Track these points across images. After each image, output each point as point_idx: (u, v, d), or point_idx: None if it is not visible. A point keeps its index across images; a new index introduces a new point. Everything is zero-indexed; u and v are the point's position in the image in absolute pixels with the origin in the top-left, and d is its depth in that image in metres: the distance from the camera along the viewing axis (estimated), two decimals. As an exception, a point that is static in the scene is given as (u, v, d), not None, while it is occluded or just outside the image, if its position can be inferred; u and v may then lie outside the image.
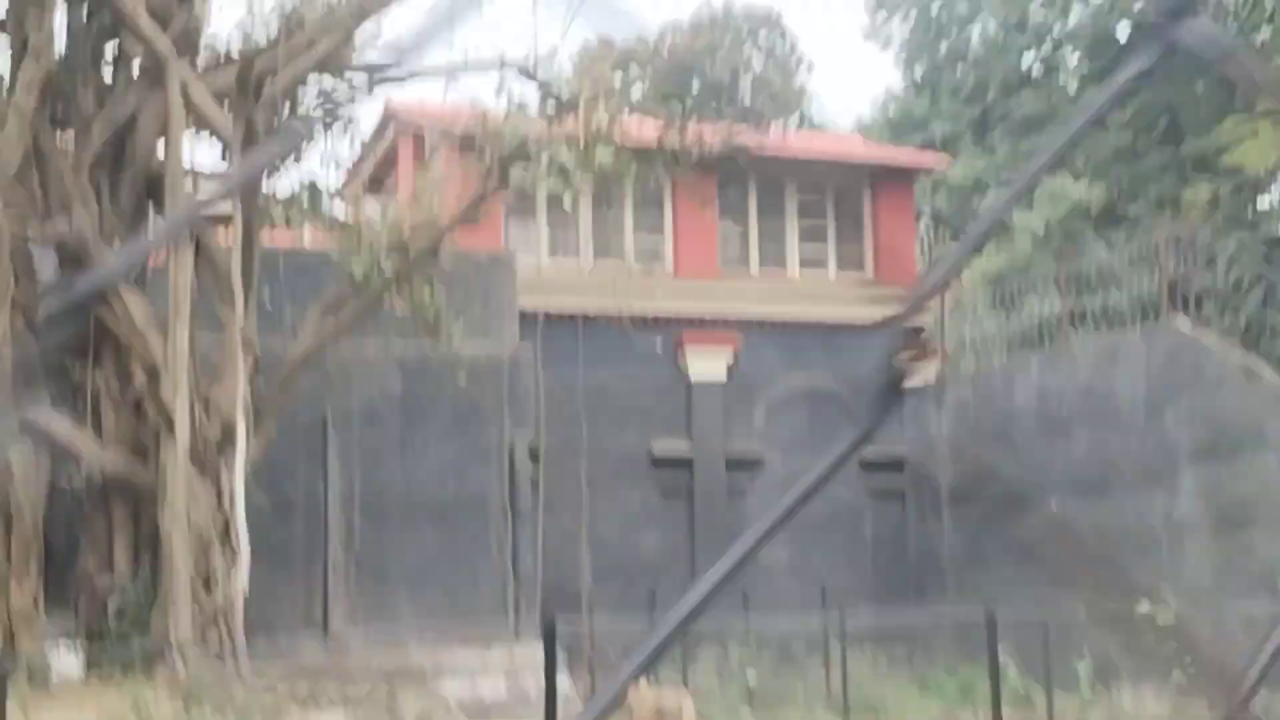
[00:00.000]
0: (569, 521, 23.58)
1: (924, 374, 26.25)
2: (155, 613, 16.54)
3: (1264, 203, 26.54)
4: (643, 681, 16.82)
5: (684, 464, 25.40)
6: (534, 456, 23.22)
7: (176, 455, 16.55)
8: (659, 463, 25.37)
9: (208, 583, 16.80)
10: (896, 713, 19.42)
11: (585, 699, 20.30)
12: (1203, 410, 19.51)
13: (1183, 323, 20.43)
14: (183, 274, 17.07)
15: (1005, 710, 16.54)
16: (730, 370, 26.02)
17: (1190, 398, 19.81)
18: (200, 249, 17.66)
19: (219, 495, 17.33)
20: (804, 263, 28.17)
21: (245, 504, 17.67)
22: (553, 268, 26.28)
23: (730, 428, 25.71)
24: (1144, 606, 13.70)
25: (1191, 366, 19.83)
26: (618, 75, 20.82)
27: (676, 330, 25.79)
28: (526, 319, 23.68)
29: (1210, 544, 19.34)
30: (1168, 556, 19.89)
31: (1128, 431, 20.91)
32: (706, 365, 25.82)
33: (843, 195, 28.45)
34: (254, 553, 17.78)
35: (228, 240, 17.92)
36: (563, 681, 20.18)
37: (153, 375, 17.02)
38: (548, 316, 24.37)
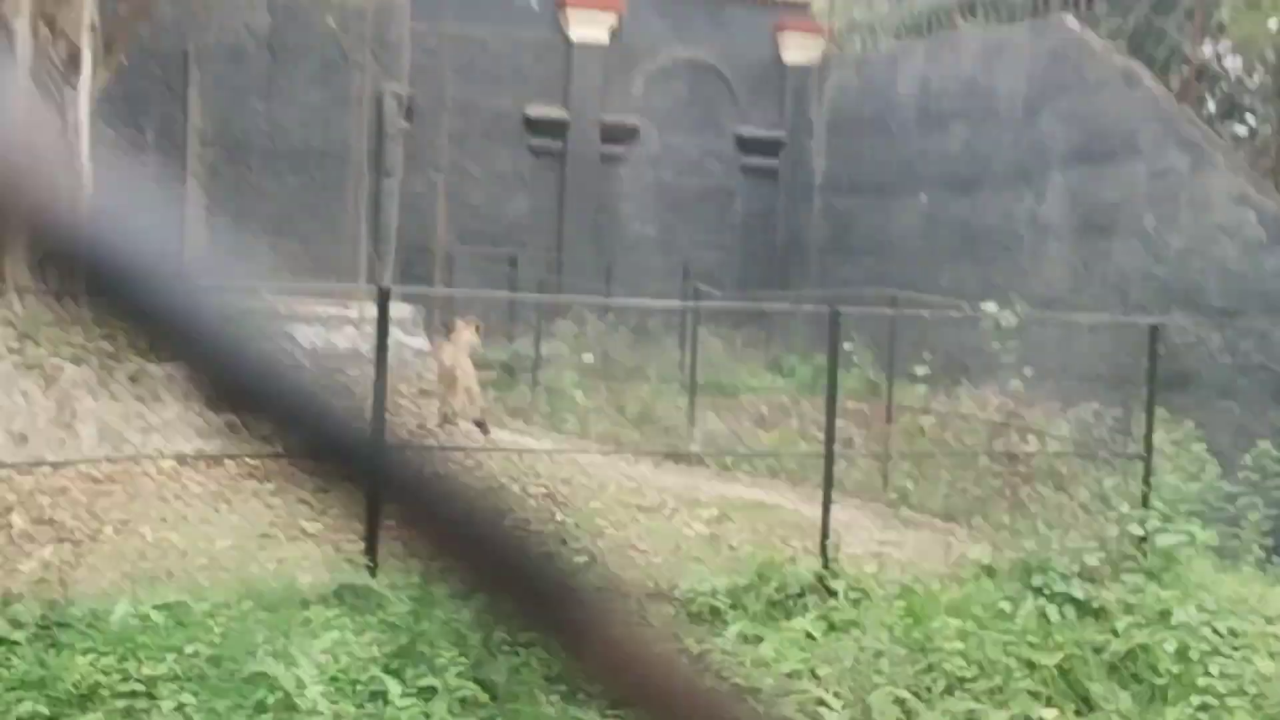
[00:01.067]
0: (435, 180, 23.07)
1: (808, 53, 25.72)
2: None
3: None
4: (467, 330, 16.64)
5: (558, 129, 24.82)
6: (402, 110, 22.51)
7: (17, 78, 15.65)
8: (533, 126, 24.78)
9: (48, 214, 16.16)
10: (744, 392, 19.60)
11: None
12: (1080, 112, 19.26)
13: (1070, 20, 20.00)
14: (26, -118, 15.83)
15: (851, 400, 16.73)
16: (612, 35, 25.23)
17: (1069, 99, 19.54)
18: None
19: (63, 122, 16.50)
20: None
21: (93, 135, 16.89)
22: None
23: (608, 95, 25.08)
24: (991, 308, 13.66)
25: (1073, 66, 19.49)
26: None
27: (560, -11, 24.85)
28: (403, -36, 22.60)
29: (1070, 249, 19.41)
30: (1029, 258, 19.97)
31: (1004, 129, 20.70)
32: (588, 28, 24.98)
33: None
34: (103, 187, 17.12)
35: None
36: (417, 340, 20.10)
37: (-8, -10, 15.95)
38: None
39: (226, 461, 12.55)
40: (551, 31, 24.82)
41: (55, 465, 11.82)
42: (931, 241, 21.82)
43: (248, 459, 12.69)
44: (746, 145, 25.66)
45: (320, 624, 8.26)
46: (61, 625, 7.79)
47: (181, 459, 12.49)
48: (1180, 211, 17.74)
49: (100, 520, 10.42)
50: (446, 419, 15.84)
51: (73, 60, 16.55)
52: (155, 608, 8.10)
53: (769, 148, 25.69)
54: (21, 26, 15.79)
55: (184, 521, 10.60)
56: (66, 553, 9.47)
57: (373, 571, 8.98)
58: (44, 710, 6.90)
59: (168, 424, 13.10)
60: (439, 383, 16.30)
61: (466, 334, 16.57)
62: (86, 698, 7.08)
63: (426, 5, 22.60)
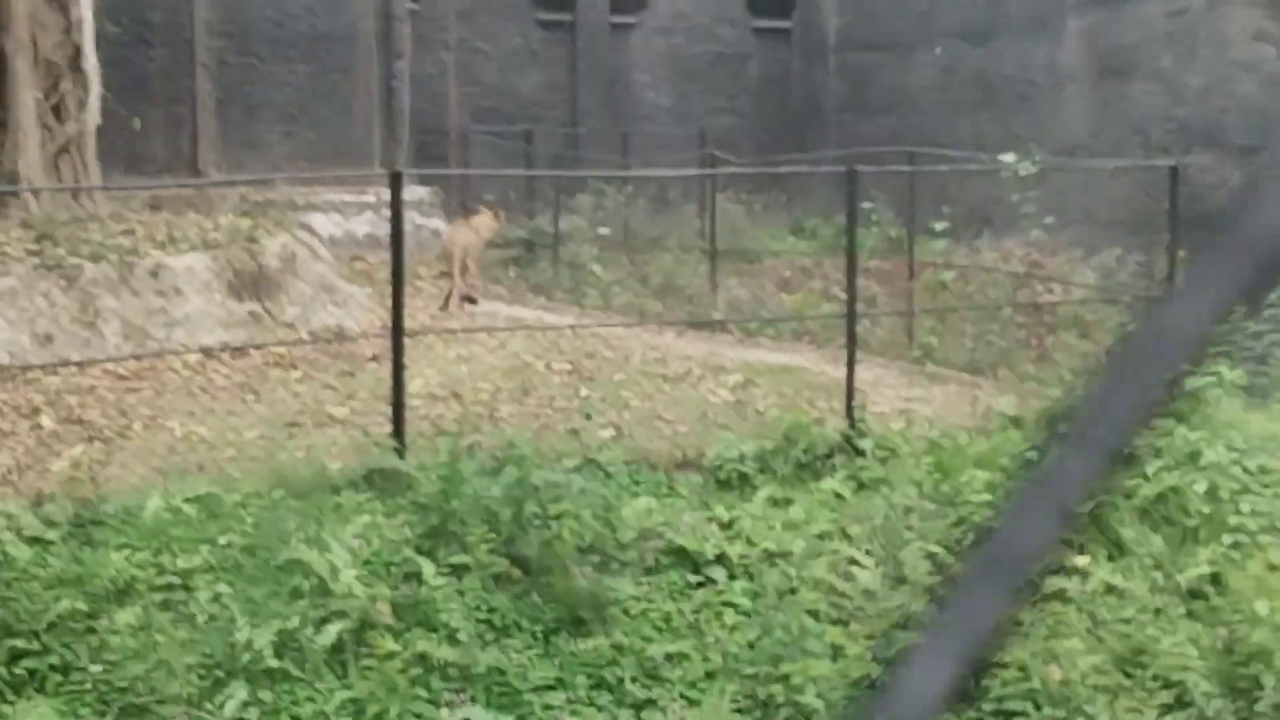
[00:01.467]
0: (445, 59, 22.83)
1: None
2: (4, 147, 15.87)
3: None
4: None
5: (566, 0, 24.49)
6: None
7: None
8: (540, -1, 24.46)
9: (58, 112, 16.07)
10: (766, 257, 19.52)
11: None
12: (1094, -47, 18.92)
13: None
14: None
15: (873, 259, 16.65)
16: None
17: (1083, -61, 19.20)
18: None
19: (67, 20, 16.37)
20: None
21: (98, 31, 16.75)
22: None
23: (616, -37, 24.69)
24: (1009, 158, 13.51)
25: (1086, -94, 19.12)
26: None
27: None
28: None
29: (1089, 94, 19.15)
30: (1048, 106, 19.72)
31: (1018, -24, 20.36)
32: (592, -105, 24.52)
33: None
34: (115, 85, 17.02)
35: None
36: (436, 222, 20.03)
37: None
38: None
39: (252, 352, 12.60)
40: (554, -100, 24.40)
41: (81, 364, 11.89)
42: (949, 94, 21.55)
43: (272, 348, 12.74)
44: (758, 7, 25.28)
45: (351, 509, 8.33)
46: (95, 523, 7.87)
47: (206, 352, 12.55)
48: (1198, 50, 17.46)
49: (128, 417, 10.50)
50: (466, 299, 15.90)
51: (72, -45, 16.37)
52: (187, 501, 8.17)
53: (781, 8, 25.30)
54: (18, -77, 15.59)
55: (211, 414, 10.67)
56: (96, 450, 9.55)
57: (401, 454, 9.03)
58: (82, 606, 6.99)
59: (191, 318, 13.14)
60: (441, 260, 16.37)
61: (485, 218, 16.57)
62: (123, 592, 7.17)
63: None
